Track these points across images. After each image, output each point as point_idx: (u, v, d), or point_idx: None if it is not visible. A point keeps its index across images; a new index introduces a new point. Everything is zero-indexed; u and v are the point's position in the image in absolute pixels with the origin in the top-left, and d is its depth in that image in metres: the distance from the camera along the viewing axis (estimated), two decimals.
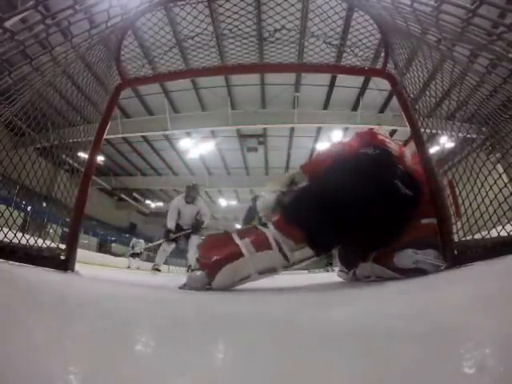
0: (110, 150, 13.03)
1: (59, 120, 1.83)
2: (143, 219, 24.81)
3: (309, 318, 0.67)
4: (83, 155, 1.87)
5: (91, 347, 0.41)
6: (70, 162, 1.82)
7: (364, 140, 1.62)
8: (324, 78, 8.93)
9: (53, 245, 1.46)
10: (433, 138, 1.72)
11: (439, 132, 1.69)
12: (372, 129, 1.88)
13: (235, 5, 2.21)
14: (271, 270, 1.39)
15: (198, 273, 1.43)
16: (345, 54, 2.43)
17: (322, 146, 12.18)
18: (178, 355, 0.39)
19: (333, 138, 11.53)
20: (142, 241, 12.91)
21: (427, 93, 1.73)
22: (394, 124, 10.10)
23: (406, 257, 1.34)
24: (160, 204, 20.32)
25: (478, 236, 1.36)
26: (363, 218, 1.37)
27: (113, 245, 17.55)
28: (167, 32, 2.48)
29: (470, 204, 1.38)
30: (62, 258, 1.44)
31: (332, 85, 9.25)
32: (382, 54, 2.23)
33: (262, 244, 1.37)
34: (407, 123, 1.88)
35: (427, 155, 1.66)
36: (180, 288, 1.44)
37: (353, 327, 0.54)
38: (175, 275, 6.41)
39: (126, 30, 2.13)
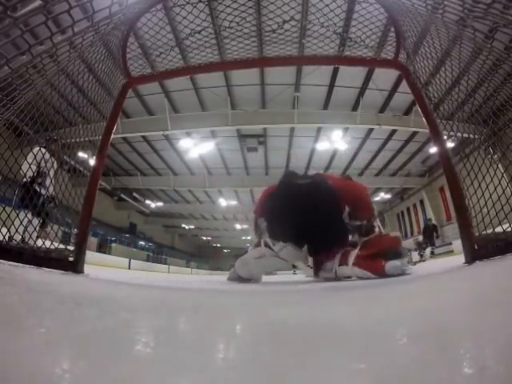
0: (110, 149, 12.86)
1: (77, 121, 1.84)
2: (143, 219, 24.78)
3: (308, 318, 0.68)
4: (87, 155, 1.88)
5: (91, 347, 0.42)
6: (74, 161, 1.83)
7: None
8: (324, 78, 8.92)
9: (61, 246, 1.45)
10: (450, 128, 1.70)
11: (456, 122, 1.66)
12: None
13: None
14: (262, 256, 2.29)
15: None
16: (356, 45, 2.39)
17: (322, 145, 12.19)
18: (178, 355, 0.40)
19: (332, 138, 11.56)
20: None
21: (441, 81, 1.69)
22: (394, 124, 10.11)
23: (396, 267, 1.76)
24: (160, 204, 20.29)
25: (498, 229, 1.36)
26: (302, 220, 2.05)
27: (113, 245, 17.52)
28: (168, 32, 2.48)
29: (490, 196, 1.39)
30: (71, 259, 1.44)
31: (332, 85, 9.23)
32: (394, 44, 2.18)
33: (256, 244, 2.46)
34: (421, 113, 1.83)
35: (444, 146, 1.64)
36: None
37: (353, 327, 0.55)
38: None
39: (133, 25, 2.10)
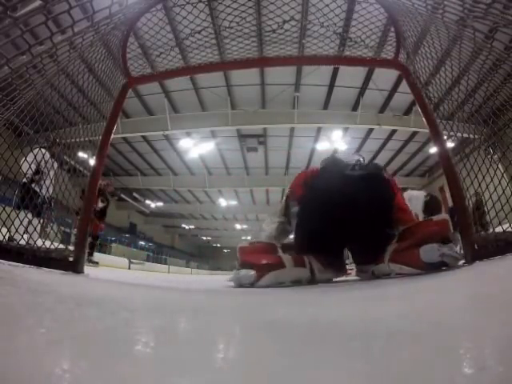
0: (110, 149, 12.89)
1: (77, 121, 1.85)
2: (143, 219, 24.79)
3: (309, 317, 0.68)
4: (87, 155, 1.88)
5: (91, 347, 0.42)
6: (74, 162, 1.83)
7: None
8: (324, 78, 8.92)
9: (61, 246, 1.46)
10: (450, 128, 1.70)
11: (456, 122, 1.67)
12: None
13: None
14: (299, 281, 1.78)
15: (245, 271, 1.76)
16: (356, 45, 2.37)
17: (322, 145, 12.18)
18: (178, 355, 0.40)
19: (332, 138, 11.56)
20: None
21: (441, 81, 1.70)
22: (394, 124, 10.12)
23: (433, 251, 1.43)
24: (160, 204, 20.29)
25: (498, 229, 1.36)
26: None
27: (113, 245, 17.51)
28: (168, 32, 2.47)
29: (490, 196, 1.40)
30: (71, 259, 1.44)
31: (332, 85, 9.23)
32: (394, 44, 2.17)
33: (298, 261, 1.81)
34: (421, 113, 1.83)
35: (444, 146, 1.65)
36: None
37: (353, 327, 0.55)
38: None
39: (133, 25, 2.10)
